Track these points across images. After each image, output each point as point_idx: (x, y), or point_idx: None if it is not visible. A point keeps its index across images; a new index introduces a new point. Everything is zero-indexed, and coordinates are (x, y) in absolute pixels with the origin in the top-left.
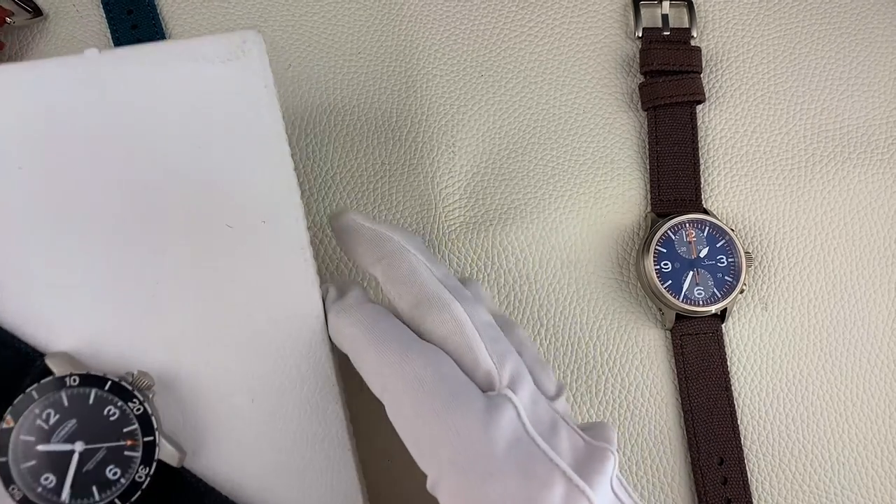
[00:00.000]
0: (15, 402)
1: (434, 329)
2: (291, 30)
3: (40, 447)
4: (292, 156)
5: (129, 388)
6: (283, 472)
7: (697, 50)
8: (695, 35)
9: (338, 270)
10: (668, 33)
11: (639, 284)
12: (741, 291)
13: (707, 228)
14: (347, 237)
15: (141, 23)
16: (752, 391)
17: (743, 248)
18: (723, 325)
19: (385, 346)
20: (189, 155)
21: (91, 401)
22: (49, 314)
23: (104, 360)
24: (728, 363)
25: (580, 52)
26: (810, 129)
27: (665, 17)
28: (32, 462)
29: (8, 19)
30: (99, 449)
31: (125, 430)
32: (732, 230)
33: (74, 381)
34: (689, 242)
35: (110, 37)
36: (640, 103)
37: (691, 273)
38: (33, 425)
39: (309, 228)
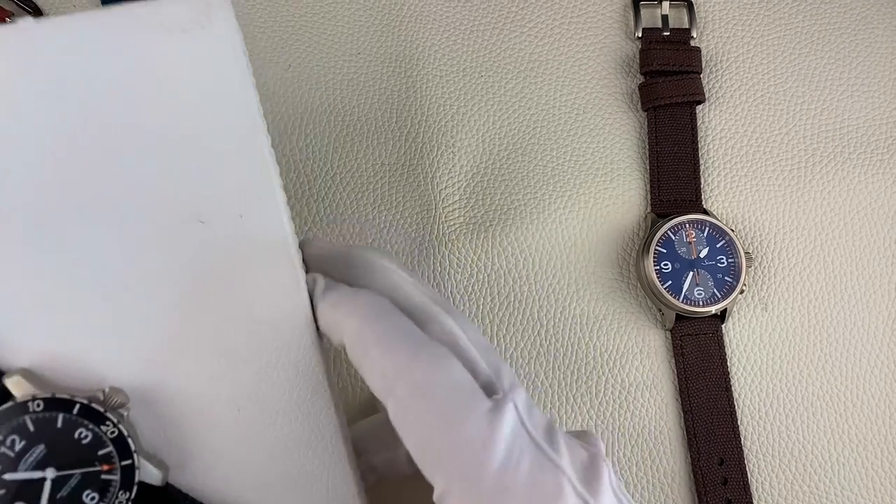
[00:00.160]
0: None
1: None
2: (291, 30)
3: (7, 476)
4: (271, 141)
5: (101, 409)
6: (275, 482)
7: (697, 50)
8: (695, 35)
9: None
10: (668, 33)
11: (639, 285)
12: (741, 292)
13: (707, 229)
14: (323, 264)
15: None
16: (752, 391)
17: (743, 248)
18: (723, 326)
19: (392, 345)
20: (149, 142)
21: (59, 424)
22: (3, 328)
23: (71, 376)
24: (728, 363)
25: (580, 52)
26: (810, 130)
27: (665, 18)
28: (1, 492)
29: (7, 19)
30: (72, 475)
31: (100, 453)
32: (732, 230)
33: (38, 406)
34: (689, 243)
35: None
36: (640, 103)
37: (691, 273)
38: None
39: (301, 227)
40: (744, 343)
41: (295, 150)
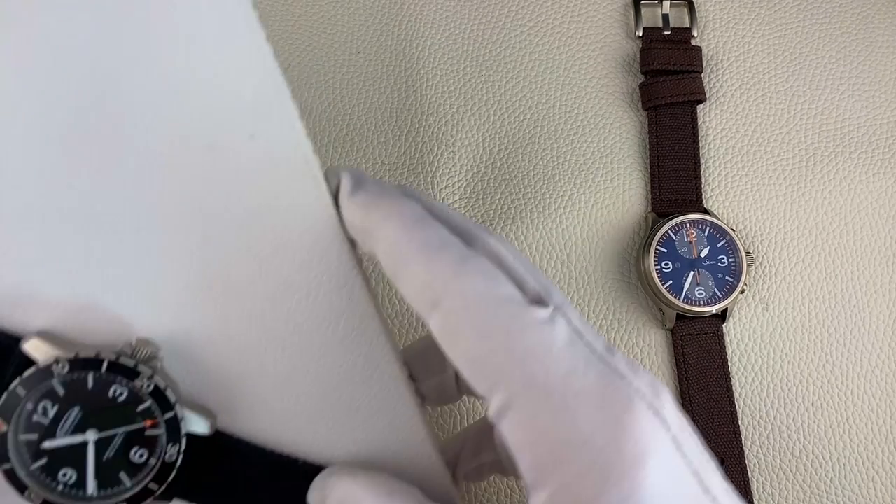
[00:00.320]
0: (1, 401)
1: None
2: (291, 30)
3: (47, 444)
4: (274, 52)
5: (131, 363)
6: (332, 418)
7: (698, 49)
8: (695, 35)
9: None
10: (669, 33)
11: (639, 284)
12: (742, 292)
13: (708, 228)
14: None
15: None
16: (752, 391)
17: (744, 248)
18: (723, 326)
19: (436, 254)
20: (143, 61)
21: (90, 384)
22: (16, 289)
23: (94, 331)
24: (729, 363)
25: (580, 51)
26: (811, 129)
27: (666, 17)
28: (43, 461)
29: None
30: (115, 435)
31: (139, 409)
32: (733, 230)
33: (63, 368)
34: (690, 242)
35: None
36: (640, 103)
37: (692, 273)
38: (31, 422)
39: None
40: (744, 343)
41: None
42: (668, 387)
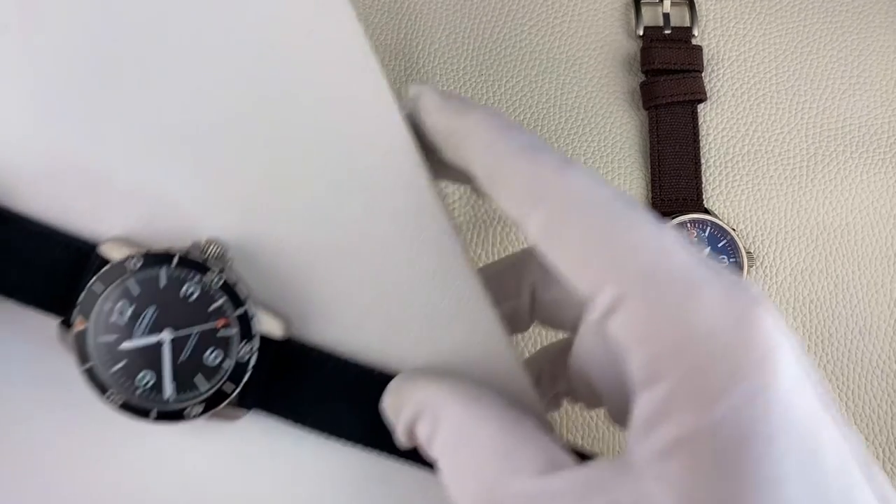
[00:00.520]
0: (79, 300)
1: None
2: None
3: (125, 345)
4: None
5: (200, 258)
6: (406, 327)
7: (699, 49)
8: (696, 34)
9: None
10: (670, 32)
11: None
12: None
13: (708, 228)
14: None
15: None
16: None
17: (744, 248)
18: None
19: (539, 154)
20: None
21: (163, 283)
22: (91, 198)
23: (165, 237)
24: None
25: (581, 50)
26: (812, 129)
27: (666, 16)
28: (122, 363)
29: None
30: (189, 335)
31: (210, 308)
32: (734, 230)
33: (136, 264)
34: None
35: None
36: (641, 102)
37: None
38: (109, 323)
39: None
40: None
41: None
42: None
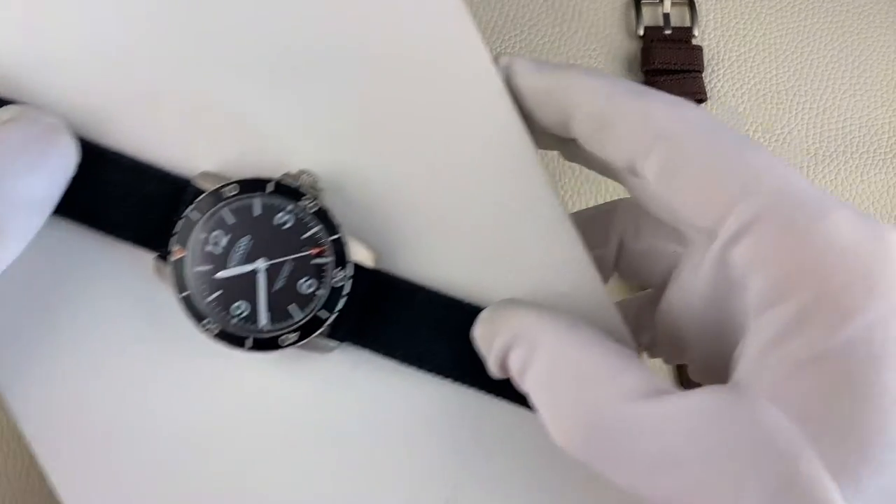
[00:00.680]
0: (176, 229)
1: None
2: None
3: (220, 275)
4: None
5: (294, 185)
6: (496, 261)
7: (699, 49)
8: (696, 34)
9: None
10: (670, 32)
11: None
12: None
13: None
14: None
15: None
16: None
17: None
18: None
19: (649, 95)
20: None
21: (257, 211)
22: (183, 136)
23: (256, 171)
24: None
25: (581, 50)
26: (812, 129)
27: (666, 16)
28: (217, 292)
29: None
30: (283, 263)
31: (304, 236)
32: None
33: (233, 191)
34: None
35: None
36: None
37: None
38: (204, 253)
39: None
40: None
41: None
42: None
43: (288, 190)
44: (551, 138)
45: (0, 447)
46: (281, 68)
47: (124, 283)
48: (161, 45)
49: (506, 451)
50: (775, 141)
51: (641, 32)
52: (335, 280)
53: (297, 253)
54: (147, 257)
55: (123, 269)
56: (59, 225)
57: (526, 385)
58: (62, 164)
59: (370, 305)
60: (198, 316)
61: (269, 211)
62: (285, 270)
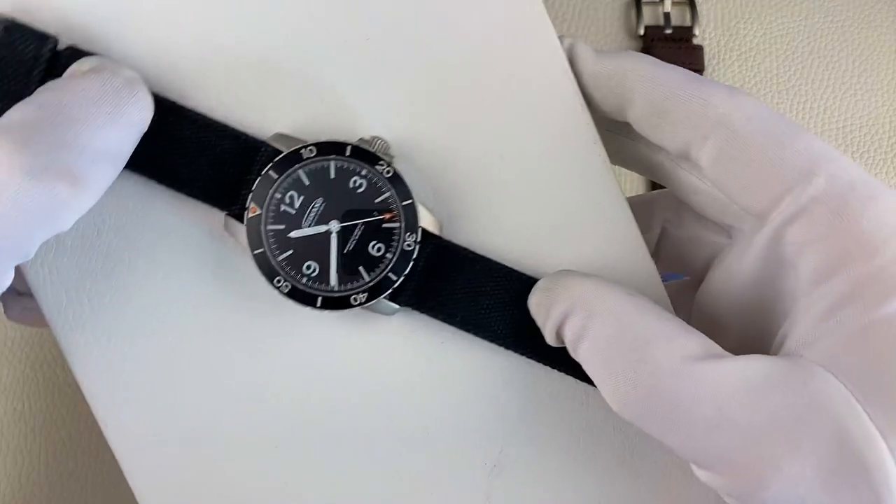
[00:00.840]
0: (254, 186)
1: None
2: None
3: (293, 234)
4: None
5: (371, 149)
6: (551, 233)
7: (699, 48)
8: (697, 33)
9: None
10: (670, 31)
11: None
12: None
13: None
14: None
15: None
16: None
17: None
18: None
19: (704, 83)
20: None
21: (332, 174)
22: (260, 96)
23: (327, 135)
24: None
25: None
26: (813, 129)
27: (667, 16)
28: (289, 252)
29: None
30: (356, 226)
31: (377, 200)
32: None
33: (311, 151)
34: None
35: None
36: None
37: None
38: (279, 212)
39: None
40: None
41: None
42: None
43: (364, 154)
44: (609, 124)
45: None
46: (354, 37)
47: (192, 240)
48: (240, 7)
49: (554, 419)
50: None
51: (642, 32)
52: (406, 243)
53: (369, 217)
54: (212, 215)
55: (191, 225)
56: (130, 178)
57: (581, 352)
58: (138, 118)
59: (432, 271)
60: (270, 273)
61: (344, 174)
62: (357, 233)
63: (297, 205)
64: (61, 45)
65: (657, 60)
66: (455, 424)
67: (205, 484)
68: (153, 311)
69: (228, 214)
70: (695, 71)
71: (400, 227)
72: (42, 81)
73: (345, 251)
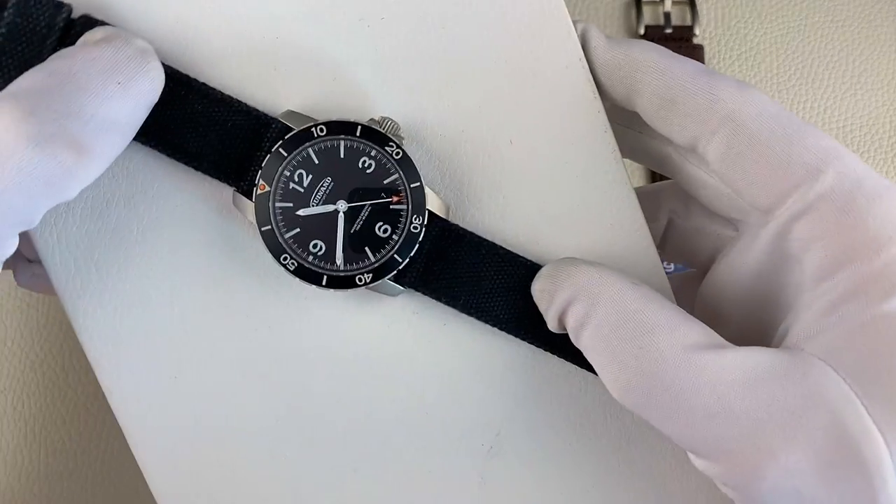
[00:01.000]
0: (263, 163)
1: None
2: None
3: (301, 212)
4: None
5: (381, 130)
6: (556, 219)
7: (700, 48)
8: (697, 33)
9: None
10: (671, 31)
11: None
12: None
13: None
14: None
15: None
16: None
17: None
18: None
19: (717, 76)
20: None
21: (342, 153)
22: (270, 73)
23: (337, 114)
24: None
25: None
26: None
27: (667, 15)
28: (297, 230)
29: None
30: (363, 206)
31: (385, 182)
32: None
33: (321, 130)
34: None
35: None
36: None
37: None
38: (287, 190)
39: None
40: None
41: None
42: None
43: (374, 135)
44: (610, 112)
45: None
46: (369, 16)
47: (200, 215)
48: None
49: (552, 405)
50: None
51: (642, 31)
52: (412, 225)
53: (377, 198)
54: (221, 191)
55: (200, 201)
56: (139, 150)
57: (583, 339)
58: (148, 89)
59: (437, 254)
60: (277, 251)
61: (354, 154)
62: (364, 213)
63: (305, 183)
64: (76, 14)
65: (668, 51)
66: (454, 406)
67: (207, 451)
68: (160, 284)
69: (237, 191)
70: None
71: (407, 210)
72: (55, 49)
73: (351, 231)
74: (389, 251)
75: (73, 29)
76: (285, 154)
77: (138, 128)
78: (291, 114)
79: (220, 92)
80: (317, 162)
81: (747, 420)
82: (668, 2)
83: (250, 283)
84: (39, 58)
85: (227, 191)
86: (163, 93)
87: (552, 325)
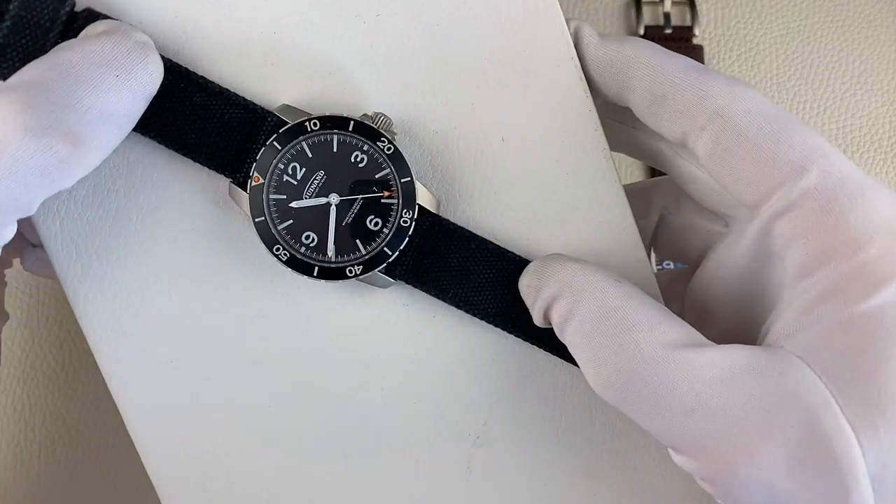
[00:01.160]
0: (258, 156)
1: None
2: None
3: (294, 204)
4: None
5: (374, 125)
6: (546, 216)
7: (699, 48)
8: (697, 33)
9: None
10: (670, 31)
11: None
12: None
13: None
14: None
15: None
16: None
17: None
18: None
19: (707, 73)
20: None
21: (335, 148)
22: (266, 68)
23: (332, 109)
24: None
25: None
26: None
27: (667, 16)
28: (289, 221)
29: None
30: (355, 200)
31: (377, 176)
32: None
33: (314, 125)
34: None
35: None
36: None
37: None
38: (281, 182)
39: None
40: None
41: None
42: None
43: (366, 130)
44: (604, 108)
45: None
46: (365, 13)
47: (197, 205)
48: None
49: (537, 397)
50: None
51: (642, 31)
52: (402, 219)
53: (368, 192)
54: (218, 182)
55: (197, 191)
56: (139, 141)
57: (567, 334)
58: (147, 81)
59: (427, 248)
60: (270, 241)
61: (346, 149)
62: (355, 207)
63: (299, 176)
64: (79, 8)
65: (659, 48)
66: (441, 396)
67: (201, 435)
68: (158, 272)
69: (233, 182)
70: None
71: (397, 204)
72: (58, 42)
73: (343, 224)
74: (380, 244)
75: (76, 22)
76: (280, 147)
77: (137, 120)
78: (287, 108)
79: (218, 85)
80: (310, 155)
81: (723, 417)
82: (667, 2)
83: (245, 272)
84: (43, 50)
85: (223, 182)
86: (162, 85)
87: (538, 320)
